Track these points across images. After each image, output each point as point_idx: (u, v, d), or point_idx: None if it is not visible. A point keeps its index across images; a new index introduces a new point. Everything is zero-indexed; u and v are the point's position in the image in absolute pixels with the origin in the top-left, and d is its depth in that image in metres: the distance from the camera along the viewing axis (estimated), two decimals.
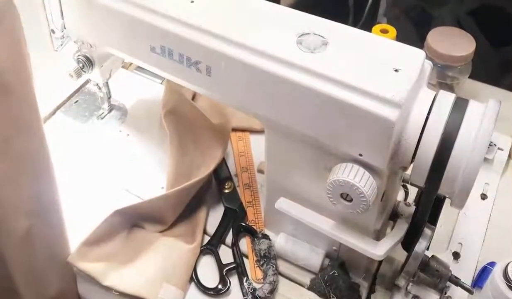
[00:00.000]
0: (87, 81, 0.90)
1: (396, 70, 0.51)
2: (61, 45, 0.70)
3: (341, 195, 0.51)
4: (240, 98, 0.58)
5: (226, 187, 0.71)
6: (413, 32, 1.28)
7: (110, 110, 0.85)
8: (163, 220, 0.67)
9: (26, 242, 0.56)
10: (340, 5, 1.44)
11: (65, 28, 0.69)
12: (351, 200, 0.51)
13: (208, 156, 0.70)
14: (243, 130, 0.79)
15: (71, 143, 0.80)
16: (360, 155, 0.51)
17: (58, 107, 0.86)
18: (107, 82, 0.80)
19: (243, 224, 0.66)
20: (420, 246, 0.55)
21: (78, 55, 0.71)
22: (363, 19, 1.41)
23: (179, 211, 0.67)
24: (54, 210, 0.61)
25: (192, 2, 0.60)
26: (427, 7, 1.28)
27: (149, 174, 0.76)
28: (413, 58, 0.53)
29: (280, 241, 0.64)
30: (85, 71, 0.72)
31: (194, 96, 0.83)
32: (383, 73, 0.50)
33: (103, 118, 0.84)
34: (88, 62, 0.71)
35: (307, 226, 0.60)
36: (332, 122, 0.51)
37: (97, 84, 0.80)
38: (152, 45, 0.61)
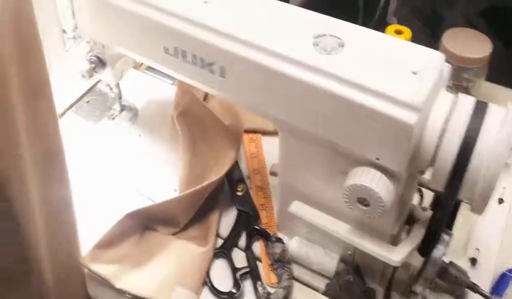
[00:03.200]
0: (98, 81, 0.90)
1: (414, 73, 0.50)
2: (73, 45, 0.70)
3: (358, 200, 0.51)
4: (254, 100, 0.57)
5: (239, 189, 0.70)
6: (424, 33, 1.26)
7: (121, 111, 0.84)
8: (176, 222, 0.66)
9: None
10: (350, 5, 1.43)
11: (76, 28, 0.69)
12: (368, 205, 0.50)
13: (220, 158, 0.70)
14: (255, 131, 0.78)
15: (82, 143, 0.80)
16: (377, 158, 0.50)
17: (70, 107, 0.86)
18: (118, 83, 0.79)
19: (257, 227, 0.65)
20: (438, 252, 0.54)
21: (90, 56, 0.71)
22: (375, 18, 1.39)
23: (192, 213, 0.67)
24: (67, 211, 0.61)
25: (206, 2, 0.59)
26: (437, 7, 1.27)
27: (161, 175, 0.75)
28: (431, 60, 0.52)
29: (294, 245, 0.63)
30: (97, 72, 0.71)
31: (205, 97, 0.83)
32: (401, 76, 0.49)
33: (114, 118, 0.84)
34: (100, 63, 0.70)
35: (321, 230, 0.59)
36: (349, 126, 0.50)
37: (108, 85, 0.80)
38: (166, 46, 0.60)
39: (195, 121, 0.74)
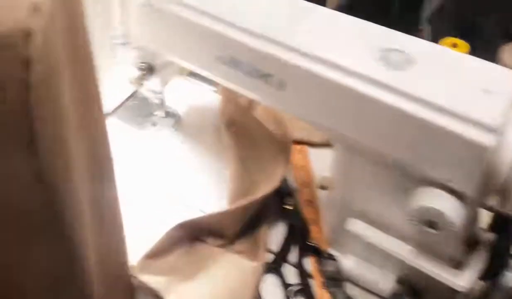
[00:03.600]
0: (140, 87, 0.89)
1: (486, 91, 0.48)
2: (122, 51, 0.69)
3: (426, 223, 0.49)
4: (315, 115, 0.55)
5: (288, 203, 0.68)
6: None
7: (163, 117, 0.83)
8: (225, 235, 0.65)
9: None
10: (382, 10, 1.41)
11: (126, 34, 0.68)
12: (436, 228, 0.48)
13: (270, 170, 0.68)
14: (301, 143, 0.77)
15: (125, 148, 0.79)
16: (448, 180, 0.48)
17: (112, 112, 0.85)
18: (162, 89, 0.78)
19: (309, 243, 0.64)
20: (506, 278, 0.52)
21: (140, 63, 0.69)
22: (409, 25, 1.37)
23: (241, 226, 0.65)
24: (116, 220, 0.59)
25: (265, 12, 0.58)
26: (474, 17, 1.24)
27: (205, 184, 0.74)
28: (503, 77, 0.50)
29: (348, 263, 0.61)
30: (146, 78, 0.70)
31: (250, 104, 0.81)
32: (473, 94, 0.48)
33: (156, 125, 0.83)
34: (149, 70, 0.69)
35: (378, 249, 0.57)
36: (418, 145, 0.48)
37: (152, 90, 0.79)
38: (219, 55, 0.59)
39: (242, 131, 0.72)
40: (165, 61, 0.70)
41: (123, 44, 0.68)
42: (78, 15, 0.43)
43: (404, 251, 0.55)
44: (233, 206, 0.64)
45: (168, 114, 0.84)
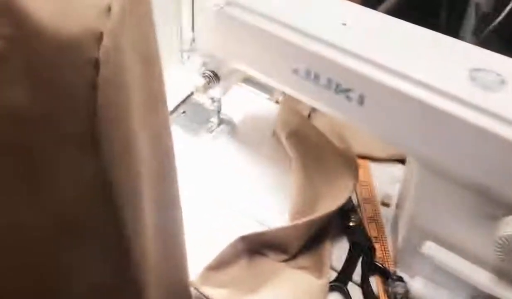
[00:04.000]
0: (193, 92, 0.88)
1: None
2: (188, 58, 0.68)
3: None
4: (396, 133, 0.53)
5: (351, 219, 0.67)
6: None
7: (219, 124, 0.82)
8: (287, 250, 0.63)
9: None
10: (428, 20, 1.38)
11: (194, 41, 0.67)
12: None
13: (336, 186, 0.66)
14: (362, 157, 0.75)
15: (182, 155, 0.78)
16: None
17: None
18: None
19: (376, 263, 0.62)
20: None
21: (205, 70, 0.68)
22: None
23: (304, 242, 0.64)
24: (178, 233, 0.58)
25: (344, 25, 0.56)
26: None
27: (264, 194, 0.72)
28: None
29: (417, 285, 0.59)
30: (211, 87, 0.69)
31: (309, 115, 0.80)
32: None
33: (212, 132, 0.82)
34: (215, 78, 0.68)
35: (454, 275, 0.55)
36: (509, 170, 0.47)
37: (212, 98, 0.78)
38: (296, 67, 0.58)
39: (305, 144, 0.71)
40: (230, 69, 0.68)
41: (190, 51, 0.67)
42: (147, 16, 0.42)
43: (482, 278, 0.53)
44: (298, 222, 0.62)
45: (223, 121, 0.83)
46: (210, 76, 0.68)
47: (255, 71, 0.63)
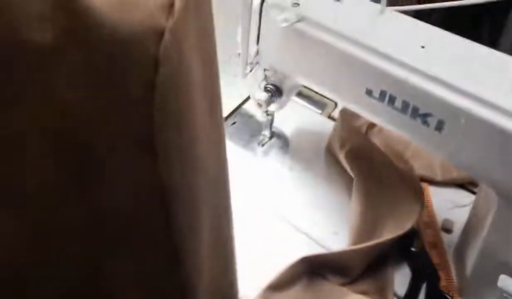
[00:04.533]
0: (243, 102, 0.87)
1: None
2: (250, 71, 0.66)
3: None
4: (476, 161, 0.52)
5: (414, 244, 0.65)
6: None
7: (270, 137, 0.81)
8: (348, 273, 0.62)
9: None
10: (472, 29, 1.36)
11: (257, 54, 0.65)
12: None
13: (400, 211, 0.64)
14: (422, 180, 0.73)
15: (232, 167, 0.76)
16: None
17: None
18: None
19: (444, 294, 0.60)
20: None
21: (267, 84, 0.67)
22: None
23: (365, 266, 0.62)
24: (229, 247, 0.56)
25: (423, 47, 0.55)
26: None
27: (318, 212, 0.71)
28: None
29: None
30: (273, 101, 0.68)
31: (366, 131, 0.78)
32: None
33: (263, 145, 0.80)
34: (277, 92, 0.67)
35: None
36: None
37: (266, 111, 0.76)
38: (369, 88, 0.56)
39: (367, 164, 0.69)
40: (295, 84, 0.67)
41: (252, 63, 0.66)
42: (209, 13, 0.41)
43: None
44: (361, 245, 0.61)
45: (275, 134, 0.82)
46: (273, 90, 0.67)
47: (325, 88, 0.61)
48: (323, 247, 0.66)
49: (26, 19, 0.26)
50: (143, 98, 0.30)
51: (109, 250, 0.39)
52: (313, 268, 0.62)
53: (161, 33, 0.29)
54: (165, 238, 0.41)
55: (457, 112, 0.50)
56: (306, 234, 0.68)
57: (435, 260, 0.64)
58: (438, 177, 0.73)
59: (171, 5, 0.30)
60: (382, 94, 0.55)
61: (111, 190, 0.34)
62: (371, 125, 0.77)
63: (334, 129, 0.77)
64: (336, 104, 0.86)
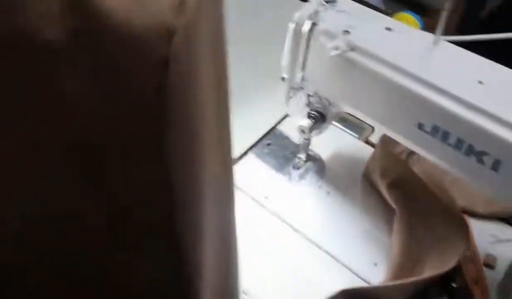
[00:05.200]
0: (278, 123, 0.86)
1: None
2: (292, 95, 0.65)
3: None
4: None
5: (455, 280, 0.63)
6: None
7: (306, 161, 0.80)
8: None
9: None
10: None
11: (303, 79, 0.64)
12: None
13: (444, 245, 0.63)
14: (463, 212, 0.71)
15: (267, 189, 0.75)
16: None
17: (250, 148, 0.82)
18: None
19: None
20: None
21: (311, 110, 0.66)
22: None
23: None
24: (233, 249, 0.54)
25: (481, 83, 0.53)
26: None
27: (355, 242, 0.69)
28: None
29: None
30: (316, 127, 0.66)
31: (406, 159, 0.76)
32: None
33: (299, 168, 0.79)
34: (321, 119, 0.66)
35: None
36: None
37: (303, 131, 0.75)
38: (421, 122, 0.55)
39: (410, 196, 0.67)
40: (338, 111, 0.66)
41: (296, 88, 0.65)
42: (221, 11, 0.40)
43: None
44: (403, 281, 0.59)
45: (311, 158, 0.80)
46: (317, 117, 0.66)
47: (373, 119, 0.60)
48: (361, 278, 0.64)
49: (39, 17, 0.26)
50: (153, 99, 0.30)
51: (116, 244, 0.39)
52: None
53: (172, 32, 0.28)
54: (167, 234, 0.41)
55: None
56: (343, 263, 0.67)
57: (477, 297, 0.63)
58: (480, 209, 0.71)
59: (183, 2, 0.29)
60: (435, 129, 0.54)
61: (121, 188, 0.34)
62: (411, 153, 0.76)
63: (373, 155, 0.75)
64: (373, 128, 0.85)
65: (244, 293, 0.64)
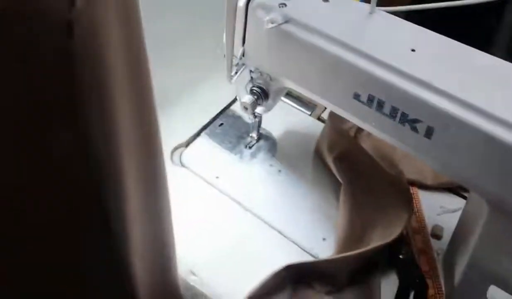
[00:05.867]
0: (231, 103, 0.85)
1: None
2: (236, 72, 0.64)
3: None
4: (467, 171, 0.50)
5: (402, 251, 0.63)
6: None
7: (258, 140, 0.79)
8: (334, 282, 0.60)
9: None
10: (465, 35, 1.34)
11: (243, 56, 0.63)
12: None
13: (388, 217, 0.63)
14: (412, 184, 0.71)
15: (218, 169, 0.75)
16: None
17: (203, 128, 0.81)
18: None
19: None
20: None
21: (253, 87, 0.65)
22: None
23: (353, 274, 0.60)
24: (166, 232, 0.54)
25: (413, 51, 0.53)
26: None
27: (305, 217, 0.69)
28: None
29: None
30: (259, 104, 0.66)
31: (355, 135, 0.76)
32: None
33: (251, 147, 0.78)
34: (263, 95, 0.65)
35: None
36: None
37: (253, 113, 0.74)
38: (357, 92, 0.54)
39: (355, 169, 0.67)
40: (280, 87, 0.65)
41: (238, 65, 0.64)
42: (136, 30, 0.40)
43: None
44: (348, 253, 0.59)
45: (262, 136, 0.80)
46: (259, 93, 0.65)
47: (311, 93, 0.60)
48: (310, 253, 0.64)
49: None
50: (60, 62, 0.32)
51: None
52: (298, 276, 0.60)
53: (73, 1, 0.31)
54: (95, 204, 0.42)
55: (447, 119, 0.49)
56: (292, 240, 0.66)
57: (424, 267, 0.63)
58: (428, 181, 0.71)
59: None
60: (370, 98, 0.53)
61: (45, 157, 0.37)
62: (360, 129, 0.76)
63: (323, 132, 0.75)
64: None
65: (193, 273, 0.63)
